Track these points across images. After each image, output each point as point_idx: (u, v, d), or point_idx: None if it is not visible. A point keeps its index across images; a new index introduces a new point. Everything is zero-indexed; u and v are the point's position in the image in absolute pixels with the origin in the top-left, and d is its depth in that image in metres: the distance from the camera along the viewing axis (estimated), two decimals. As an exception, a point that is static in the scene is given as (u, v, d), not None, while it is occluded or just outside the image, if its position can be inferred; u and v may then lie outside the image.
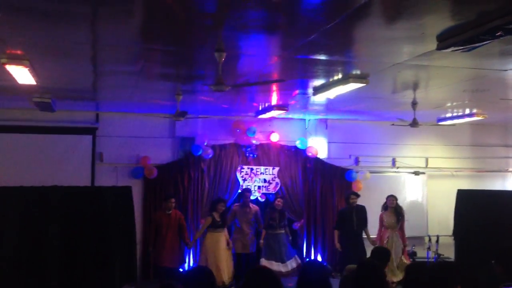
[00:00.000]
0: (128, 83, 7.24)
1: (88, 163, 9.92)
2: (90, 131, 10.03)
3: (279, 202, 9.88)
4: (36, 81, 6.52)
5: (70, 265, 7.00)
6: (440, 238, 8.83)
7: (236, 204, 10.02)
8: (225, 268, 8.92)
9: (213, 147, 10.40)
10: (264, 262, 9.46)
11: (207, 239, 9.11)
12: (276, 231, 9.69)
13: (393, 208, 9.36)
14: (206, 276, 3.58)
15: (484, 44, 4.06)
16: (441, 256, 8.84)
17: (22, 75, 6.07)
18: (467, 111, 9.47)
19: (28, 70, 5.79)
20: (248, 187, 10.43)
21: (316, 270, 3.90)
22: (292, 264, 9.70)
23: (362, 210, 9.50)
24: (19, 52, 5.45)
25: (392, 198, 9.45)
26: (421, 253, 9.76)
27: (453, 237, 9.00)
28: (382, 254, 5.53)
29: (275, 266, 9.39)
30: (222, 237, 9.09)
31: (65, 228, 7.04)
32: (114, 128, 10.14)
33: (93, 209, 7.20)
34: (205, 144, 10.29)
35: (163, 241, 8.86)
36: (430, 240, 8.88)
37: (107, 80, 7.24)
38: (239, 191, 10.43)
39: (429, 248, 8.94)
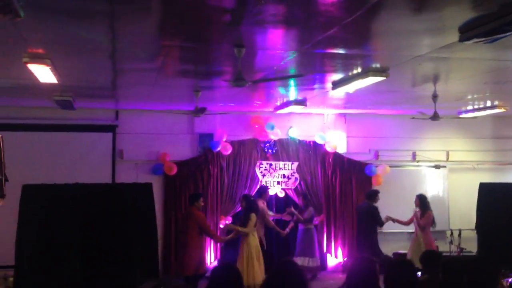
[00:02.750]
0: (147, 80, 7.28)
1: (108, 160, 10.01)
2: (110, 128, 10.12)
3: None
4: (57, 80, 6.59)
5: (92, 262, 7.03)
6: (462, 232, 8.74)
7: (261, 200, 9.73)
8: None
9: (231, 143, 10.41)
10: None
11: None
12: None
13: None
14: (233, 273, 3.57)
15: (507, 35, 4.00)
16: (464, 250, 8.76)
17: (43, 73, 6.15)
18: (488, 103, 9.33)
19: (50, 68, 5.86)
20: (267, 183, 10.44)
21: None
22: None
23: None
24: (40, 51, 5.52)
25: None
26: (443, 247, 9.67)
27: (475, 231, 8.89)
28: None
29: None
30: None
31: (87, 225, 7.08)
32: (134, 125, 10.21)
33: (114, 206, 7.23)
34: (223, 140, 10.31)
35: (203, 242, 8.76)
36: (452, 234, 8.79)
37: (127, 78, 7.29)
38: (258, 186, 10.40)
39: (451, 242, 8.87)
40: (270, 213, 10.01)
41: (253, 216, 8.60)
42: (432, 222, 9.15)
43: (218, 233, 9.71)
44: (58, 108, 8.86)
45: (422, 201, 9.23)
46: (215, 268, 3.90)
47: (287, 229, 10.01)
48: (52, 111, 9.40)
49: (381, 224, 9.41)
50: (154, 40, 5.31)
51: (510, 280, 5.57)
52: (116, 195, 7.43)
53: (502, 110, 9.26)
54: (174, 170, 10.11)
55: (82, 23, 4.63)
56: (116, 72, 6.92)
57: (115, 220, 7.16)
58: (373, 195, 9.55)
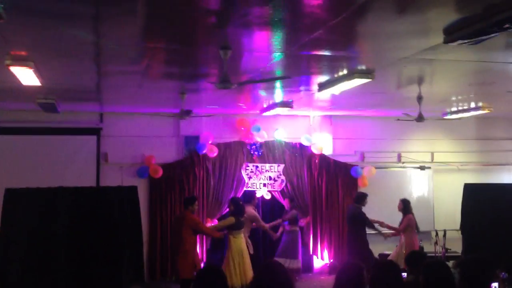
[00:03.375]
0: (132, 83, 7.23)
1: (93, 164, 9.92)
2: (95, 131, 10.04)
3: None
4: (41, 82, 6.51)
5: (78, 266, 6.97)
6: (447, 232, 8.79)
7: (250, 206, 9.69)
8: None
9: (218, 145, 10.38)
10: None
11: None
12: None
13: None
14: (218, 276, 3.55)
15: (491, 36, 4.03)
16: (449, 250, 8.82)
17: (26, 76, 6.07)
18: (473, 104, 9.42)
19: (33, 71, 5.79)
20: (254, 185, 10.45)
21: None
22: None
23: None
24: (23, 53, 5.45)
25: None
26: (428, 247, 9.72)
27: (460, 232, 8.96)
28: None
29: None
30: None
31: (72, 229, 7.02)
32: (119, 128, 10.14)
33: (99, 209, 7.18)
34: (209, 142, 10.28)
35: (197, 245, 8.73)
36: (437, 234, 8.83)
37: (111, 80, 7.23)
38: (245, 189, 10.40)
39: (436, 243, 8.91)
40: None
41: (230, 219, 8.58)
42: (414, 225, 9.19)
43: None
44: (41, 111, 8.75)
45: (405, 205, 9.28)
46: (200, 271, 3.88)
47: (278, 233, 10.01)
48: (35, 114, 9.27)
49: (370, 226, 9.41)
50: (139, 42, 5.27)
51: (504, 275, 5.63)
52: (100, 198, 7.38)
53: (486, 111, 9.34)
54: (160, 173, 10.05)
55: (66, 25, 4.57)
56: (100, 74, 6.86)
57: (99, 224, 7.11)
58: (362, 198, 9.53)
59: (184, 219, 8.33)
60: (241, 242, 8.63)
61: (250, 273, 8.32)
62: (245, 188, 10.49)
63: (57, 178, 8.70)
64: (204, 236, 9.79)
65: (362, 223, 9.33)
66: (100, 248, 6.97)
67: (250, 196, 9.94)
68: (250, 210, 9.43)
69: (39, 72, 6.04)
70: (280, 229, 10.07)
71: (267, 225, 9.85)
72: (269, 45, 5.41)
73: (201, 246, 9.96)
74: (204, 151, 10.23)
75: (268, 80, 6.72)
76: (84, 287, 6.89)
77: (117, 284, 6.84)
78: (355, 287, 3.71)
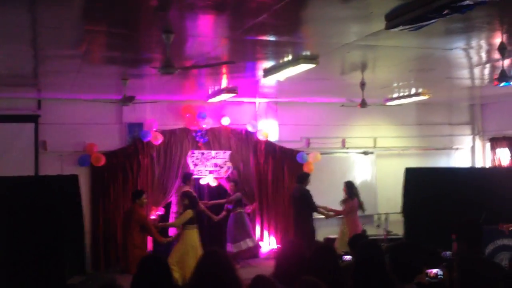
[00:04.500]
0: (71, 68, 6.98)
1: (31, 152, 9.53)
2: (32, 118, 9.63)
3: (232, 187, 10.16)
4: (-28, 67, 6.19)
5: (17, 258, 6.73)
6: (389, 216, 9.01)
7: (187, 186, 9.63)
8: None
9: (162, 132, 10.21)
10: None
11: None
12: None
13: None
14: (160, 266, 3.48)
15: (432, 22, 4.09)
16: (390, 233, 9.05)
17: (-44, 60, 5.74)
18: (413, 90, 9.67)
19: (-37, 55, 5.48)
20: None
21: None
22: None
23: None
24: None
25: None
26: (371, 230, 9.96)
27: (402, 215, 9.21)
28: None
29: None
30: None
31: (9, 220, 6.75)
32: (58, 115, 9.77)
33: (38, 199, 6.93)
34: (154, 129, 10.09)
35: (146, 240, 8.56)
36: (379, 218, 9.05)
37: (49, 65, 6.96)
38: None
39: (378, 226, 9.14)
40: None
41: (188, 212, 8.43)
42: (358, 208, 9.38)
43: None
44: (-26, 97, 8.34)
45: (349, 188, 9.44)
46: (142, 259, 3.77)
47: (221, 215, 9.98)
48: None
49: (314, 208, 9.48)
50: (78, 25, 5.08)
51: (446, 253, 5.85)
52: (40, 187, 7.13)
53: (425, 97, 9.61)
54: (102, 161, 9.80)
55: (0, 6, 4.34)
56: (37, 59, 6.58)
57: (39, 213, 6.87)
58: (304, 177, 9.64)
59: (132, 214, 8.21)
60: (195, 236, 8.49)
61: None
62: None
63: (-8, 168, 8.34)
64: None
65: (305, 202, 9.39)
66: (39, 239, 6.74)
67: (186, 176, 9.82)
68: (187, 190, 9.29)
69: (-30, 56, 5.73)
70: (223, 213, 10.03)
71: (204, 207, 9.75)
72: (213, 30, 5.33)
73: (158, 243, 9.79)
74: (148, 139, 10.04)
75: (213, 65, 6.64)
76: (23, 279, 6.65)
77: (58, 275, 6.63)
78: (295, 265, 3.72)
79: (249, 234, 9.97)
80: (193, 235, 8.45)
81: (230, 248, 9.71)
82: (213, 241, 9.90)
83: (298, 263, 3.78)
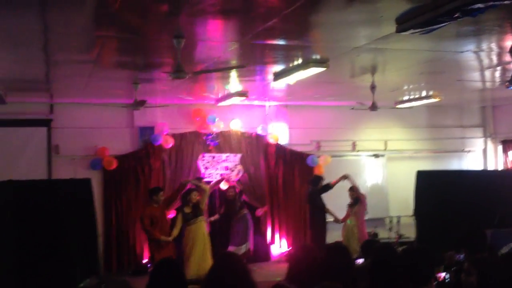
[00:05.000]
0: (83, 72, 7.04)
1: (43, 156, 9.61)
2: (45, 123, 9.72)
3: (230, 192, 9.96)
4: (-15, 72, 6.26)
5: (29, 261, 6.78)
6: (401, 219, 8.97)
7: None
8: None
9: (173, 136, 10.25)
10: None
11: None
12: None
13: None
14: (172, 268, 3.50)
15: (442, 26, 4.08)
16: (403, 236, 9.02)
17: (-30, 66, 5.82)
18: (424, 93, 9.62)
19: (-23, 60, 5.55)
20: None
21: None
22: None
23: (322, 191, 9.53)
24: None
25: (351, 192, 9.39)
26: (383, 234, 9.93)
27: (413, 217, 9.17)
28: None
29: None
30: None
31: (22, 224, 6.81)
32: (70, 119, 9.85)
33: (51, 202, 6.99)
34: (165, 133, 10.14)
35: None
36: (391, 221, 9.01)
37: (61, 70, 7.02)
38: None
39: (390, 229, 9.10)
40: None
41: (178, 218, 8.47)
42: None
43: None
44: (-13, 102, 8.42)
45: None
46: (157, 262, 3.81)
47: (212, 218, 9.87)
48: (-19, 105, 8.91)
49: (321, 206, 9.36)
50: (89, 31, 5.12)
51: (460, 257, 5.81)
52: (53, 191, 7.18)
53: (436, 99, 9.56)
54: (114, 164, 9.86)
55: (12, 12, 4.39)
56: (49, 64, 6.65)
57: (52, 217, 6.92)
58: (316, 180, 9.63)
59: (142, 211, 8.28)
60: (198, 228, 8.45)
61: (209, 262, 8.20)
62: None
63: (6, 172, 8.40)
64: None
65: (313, 203, 9.35)
66: (52, 242, 6.80)
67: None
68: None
69: (-17, 62, 5.81)
70: (215, 217, 9.86)
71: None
72: (223, 34, 5.36)
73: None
74: (159, 142, 10.09)
75: (223, 70, 6.67)
76: (35, 282, 6.71)
77: (70, 278, 6.67)
78: (308, 268, 3.72)
79: (248, 238, 9.86)
80: (195, 228, 8.41)
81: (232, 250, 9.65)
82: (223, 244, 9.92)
83: (310, 265, 3.78)
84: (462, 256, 5.92)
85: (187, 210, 8.50)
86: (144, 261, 9.85)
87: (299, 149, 11.11)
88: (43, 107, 9.77)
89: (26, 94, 8.86)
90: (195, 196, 8.56)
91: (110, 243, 9.84)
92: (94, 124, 9.96)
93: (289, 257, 3.98)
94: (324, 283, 3.10)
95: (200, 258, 8.32)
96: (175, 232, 8.39)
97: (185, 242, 8.46)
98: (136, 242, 9.89)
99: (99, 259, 8.22)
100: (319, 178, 9.70)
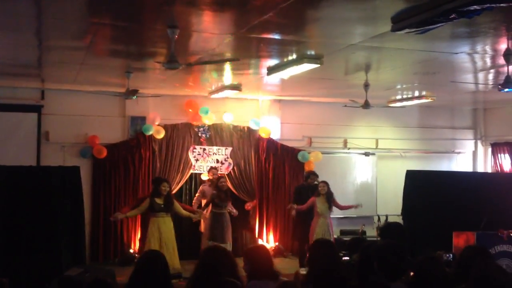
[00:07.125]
0: (75, 59, 6.99)
1: (33, 142, 9.53)
2: (35, 109, 9.63)
3: (223, 182, 9.69)
4: (-24, 56, 6.20)
5: (16, 248, 6.75)
6: (389, 217, 9.00)
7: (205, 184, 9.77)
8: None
9: (165, 126, 10.21)
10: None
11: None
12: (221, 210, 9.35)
13: (324, 195, 9.10)
14: (158, 260, 3.50)
15: (438, 26, 4.09)
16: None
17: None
18: (417, 93, 9.65)
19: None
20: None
21: None
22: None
23: (315, 188, 9.43)
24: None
25: (323, 184, 9.18)
26: (371, 232, 9.97)
27: (401, 217, 9.21)
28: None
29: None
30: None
31: (9, 210, 6.77)
32: (61, 106, 9.77)
33: (39, 189, 6.95)
34: (156, 123, 10.10)
35: None
36: (379, 219, 9.03)
37: (53, 56, 6.97)
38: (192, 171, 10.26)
39: (378, 228, 9.11)
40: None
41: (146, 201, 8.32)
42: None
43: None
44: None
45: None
46: (143, 254, 3.79)
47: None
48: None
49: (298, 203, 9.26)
50: (83, 17, 5.08)
51: (449, 256, 5.85)
52: (41, 178, 7.14)
53: (429, 100, 9.59)
54: (104, 153, 9.80)
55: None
56: (42, 49, 6.59)
57: (40, 204, 6.89)
58: (306, 176, 9.71)
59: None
60: (165, 222, 8.28)
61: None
62: (191, 171, 10.39)
63: (-6, 157, 8.34)
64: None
65: (301, 198, 9.29)
66: (38, 229, 6.76)
67: None
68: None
69: (-26, 45, 5.74)
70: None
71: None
72: (218, 26, 5.32)
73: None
74: (151, 132, 10.05)
75: (217, 62, 6.64)
76: (22, 269, 6.67)
77: (56, 266, 6.64)
78: (328, 260, 3.73)
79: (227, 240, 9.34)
80: (161, 222, 8.26)
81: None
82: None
83: (332, 262, 3.81)
84: (451, 255, 5.97)
85: (159, 201, 8.26)
86: (131, 250, 9.83)
87: (290, 144, 11.10)
88: (34, 93, 9.68)
89: (17, 79, 8.79)
90: (165, 188, 8.31)
91: (97, 232, 9.79)
92: (85, 112, 9.88)
93: (308, 256, 4.02)
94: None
95: (172, 254, 8.11)
96: (134, 212, 8.43)
97: (150, 232, 8.23)
98: (123, 232, 9.87)
99: (85, 248, 8.19)
100: (307, 174, 9.71)
